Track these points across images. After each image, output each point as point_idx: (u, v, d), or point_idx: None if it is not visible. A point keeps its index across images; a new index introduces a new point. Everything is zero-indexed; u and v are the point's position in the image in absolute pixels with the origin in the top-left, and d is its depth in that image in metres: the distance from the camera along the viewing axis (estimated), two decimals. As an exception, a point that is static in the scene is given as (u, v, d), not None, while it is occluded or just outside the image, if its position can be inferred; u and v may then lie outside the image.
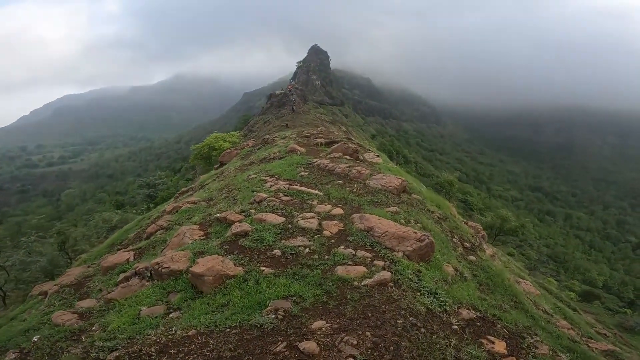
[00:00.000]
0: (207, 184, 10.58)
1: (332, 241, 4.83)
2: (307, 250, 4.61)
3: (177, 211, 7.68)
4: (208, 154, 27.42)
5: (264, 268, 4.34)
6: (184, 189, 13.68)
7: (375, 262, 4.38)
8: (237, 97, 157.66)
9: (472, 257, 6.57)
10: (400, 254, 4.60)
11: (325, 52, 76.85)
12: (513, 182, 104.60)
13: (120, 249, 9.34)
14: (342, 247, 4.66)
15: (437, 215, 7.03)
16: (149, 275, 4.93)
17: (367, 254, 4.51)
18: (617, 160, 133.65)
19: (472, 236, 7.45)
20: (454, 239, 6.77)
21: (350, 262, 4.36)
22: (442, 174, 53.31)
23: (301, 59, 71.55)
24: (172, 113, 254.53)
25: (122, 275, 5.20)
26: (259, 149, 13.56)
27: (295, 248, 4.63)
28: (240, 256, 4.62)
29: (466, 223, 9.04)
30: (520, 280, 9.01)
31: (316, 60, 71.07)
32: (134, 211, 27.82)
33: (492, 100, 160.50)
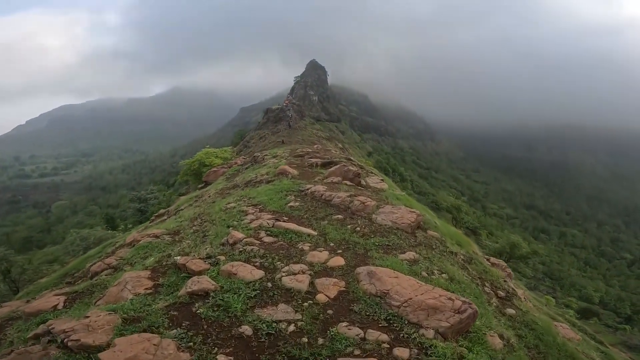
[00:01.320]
0: (182, 209, 9.01)
1: (330, 312, 3.31)
2: (292, 327, 3.08)
3: (134, 245, 6.13)
4: (198, 170, 25.90)
5: (222, 357, 2.82)
6: (161, 211, 12.06)
7: (396, 350, 2.87)
8: (233, 112, 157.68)
9: (510, 311, 5.14)
10: (431, 333, 3.11)
11: (323, 67, 76.61)
12: (508, 200, 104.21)
13: (71, 282, 7.76)
14: (345, 323, 3.14)
15: (462, 257, 5.56)
16: (60, 340, 3.38)
17: (383, 336, 3.00)
18: (610, 179, 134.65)
19: (504, 280, 5.98)
20: (486, 288, 5.30)
21: (357, 352, 2.84)
22: (443, 195, 52.10)
23: (299, 74, 71.13)
24: (168, 126, 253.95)
25: (36, 330, 3.67)
26: (247, 168, 12.02)
27: (274, 324, 3.10)
28: (190, 332, 3.09)
29: (488, 260, 7.58)
30: (557, 323, 7.52)
31: (314, 76, 70.59)
32: (122, 226, 25.96)
33: (486, 118, 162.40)
